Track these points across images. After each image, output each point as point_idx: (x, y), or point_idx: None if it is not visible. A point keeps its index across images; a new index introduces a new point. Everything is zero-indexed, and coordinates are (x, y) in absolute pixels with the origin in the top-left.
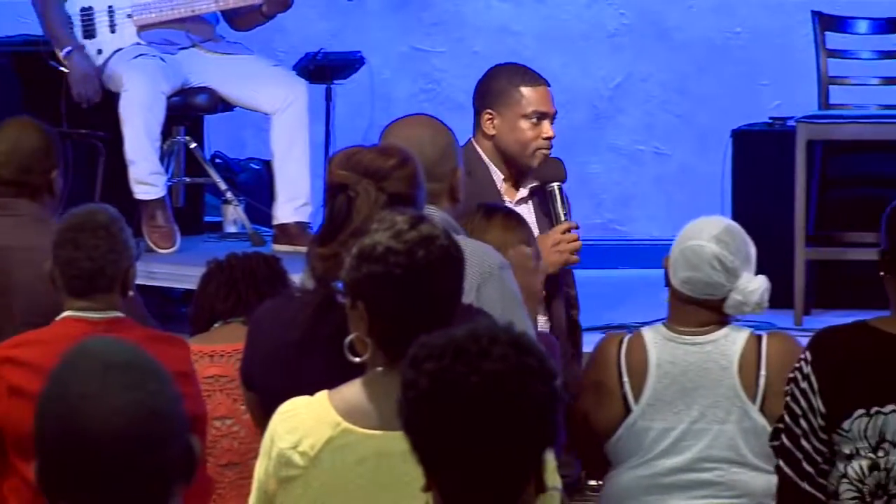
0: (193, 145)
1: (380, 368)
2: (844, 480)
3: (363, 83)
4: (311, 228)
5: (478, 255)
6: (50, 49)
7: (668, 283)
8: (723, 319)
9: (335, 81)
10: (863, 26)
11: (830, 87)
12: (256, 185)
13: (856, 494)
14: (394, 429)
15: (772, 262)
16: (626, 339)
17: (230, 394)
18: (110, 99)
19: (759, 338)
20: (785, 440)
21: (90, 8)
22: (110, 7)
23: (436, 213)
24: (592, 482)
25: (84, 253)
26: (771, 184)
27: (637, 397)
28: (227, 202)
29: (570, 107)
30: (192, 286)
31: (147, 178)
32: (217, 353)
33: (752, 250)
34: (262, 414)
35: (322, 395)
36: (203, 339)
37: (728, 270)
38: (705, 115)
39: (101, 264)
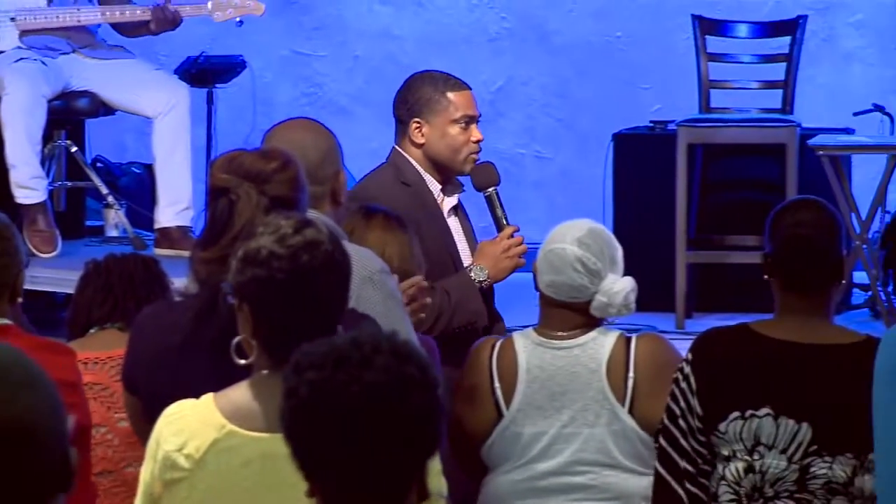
0: (75, 149)
1: (265, 371)
2: (723, 482)
3: (245, 87)
4: (193, 232)
5: (358, 259)
6: None
7: (537, 288)
8: (592, 322)
9: (217, 85)
10: (743, 30)
11: (711, 90)
12: (138, 188)
13: (733, 497)
14: (278, 431)
15: (653, 266)
16: (497, 344)
17: (104, 402)
18: None
19: (629, 340)
20: (662, 440)
21: None
22: None
23: (318, 217)
24: None
25: None
26: (652, 187)
27: (508, 402)
28: (108, 206)
29: None
30: (73, 290)
31: (28, 182)
32: (91, 361)
33: (619, 253)
34: (146, 419)
35: (208, 398)
36: (78, 345)
37: (591, 273)
38: (586, 118)
39: None
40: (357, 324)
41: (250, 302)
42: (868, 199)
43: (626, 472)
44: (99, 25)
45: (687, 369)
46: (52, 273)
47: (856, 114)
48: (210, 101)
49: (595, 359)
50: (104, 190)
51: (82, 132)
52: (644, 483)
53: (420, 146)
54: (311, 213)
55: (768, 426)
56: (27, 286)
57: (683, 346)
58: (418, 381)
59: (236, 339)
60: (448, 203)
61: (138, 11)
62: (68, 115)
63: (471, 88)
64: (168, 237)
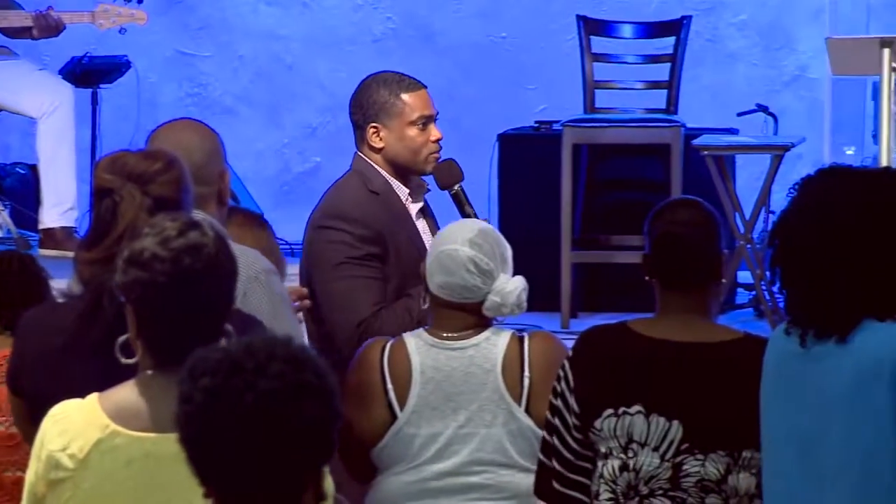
0: None
1: (149, 371)
2: (601, 480)
3: (129, 87)
4: (77, 233)
5: (243, 260)
6: None
7: (427, 289)
8: (484, 322)
9: (101, 85)
10: (627, 30)
11: (596, 90)
12: (22, 189)
13: (611, 495)
14: (164, 431)
15: (538, 266)
16: (388, 346)
17: None
18: None
19: (522, 339)
20: (545, 435)
21: None
22: None
23: (203, 218)
24: None
25: None
26: (537, 187)
27: (402, 404)
28: None
29: (336, 111)
30: None
31: None
32: None
33: (508, 252)
34: (31, 421)
35: (92, 398)
36: None
37: (483, 273)
38: (472, 119)
39: None
40: (245, 325)
41: (133, 303)
42: (752, 199)
43: (522, 472)
44: None
45: (567, 366)
46: None
47: (740, 114)
48: (95, 101)
49: (490, 359)
50: None
51: None
52: None
53: (379, 150)
54: (198, 214)
55: (640, 424)
56: None
57: (566, 344)
58: (313, 388)
59: (121, 339)
60: (415, 207)
61: (21, 17)
62: None
63: (425, 87)
64: (52, 238)
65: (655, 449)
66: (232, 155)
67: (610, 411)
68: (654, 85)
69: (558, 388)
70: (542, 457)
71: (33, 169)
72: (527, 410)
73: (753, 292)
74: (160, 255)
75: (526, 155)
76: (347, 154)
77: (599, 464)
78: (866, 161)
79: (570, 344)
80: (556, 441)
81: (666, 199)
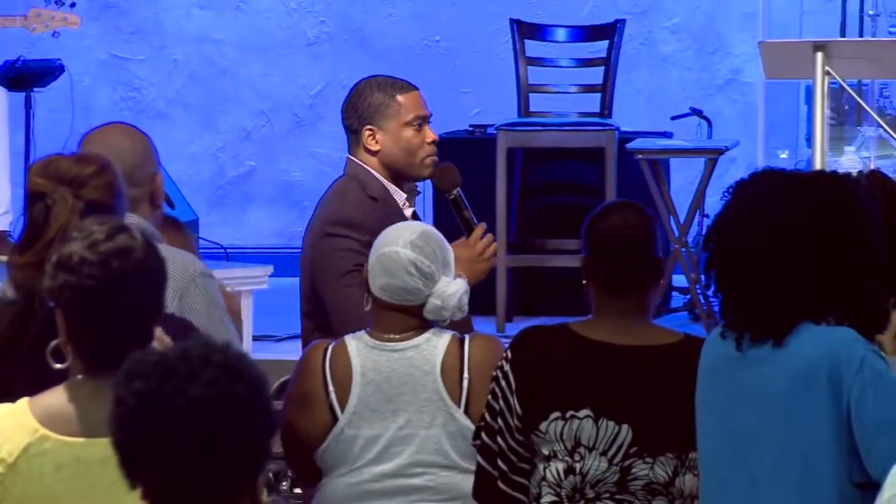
0: None
1: (80, 376)
2: (544, 483)
3: (63, 91)
4: (11, 237)
5: (179, 263)
6: None
7: (369, 291)
8: (425, 325)
9: (35, 89)
10: (561, 34)
11: (530, 94)
12: None
13: (554, 498)
14: (94, 435)
15: None
16: (330, 348)
17: None
18: None
19: (462, 341)
20: (484, 437)
21: None
22: None
23: (136, 221)
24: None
25: None
26: (472, 191)
27: (343, 406)
28: None
29: (271, 114)
30: None
31: None
32: None
33: (450, 255)
34: None
35: (22, 402)
36: None
37: (425, 275)
38: None
39: None
40: (179, 328)
41: (63, 307)
42: (686, 203)
43: (462, 473)
44: None
45: (506, 367)
46: None
47: (674, 118)
48: (28, 105)
49: (429, 361)
50: None
51: None
52: None
53: (375, 153)
54: (131, 217)
55: (588, 428)
56: None
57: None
58: (245, 399)
59: (52, 344)
60: (409, 212)
61: None
62: None
63: (418, 89)
64: None
65: (604, 453)
66: (166, 158)
67: (557, 414)
68: (589, 88)
69: (497, 390)
70: (481, 460)
71: None
72: (466, 412)
73: (688, 296)
74: (88, 259)
75: (460, 158)
76: (281, 157)
77: (541, 466)
78: (800, 164)
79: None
80: (500, 443)
81: (603, 203)
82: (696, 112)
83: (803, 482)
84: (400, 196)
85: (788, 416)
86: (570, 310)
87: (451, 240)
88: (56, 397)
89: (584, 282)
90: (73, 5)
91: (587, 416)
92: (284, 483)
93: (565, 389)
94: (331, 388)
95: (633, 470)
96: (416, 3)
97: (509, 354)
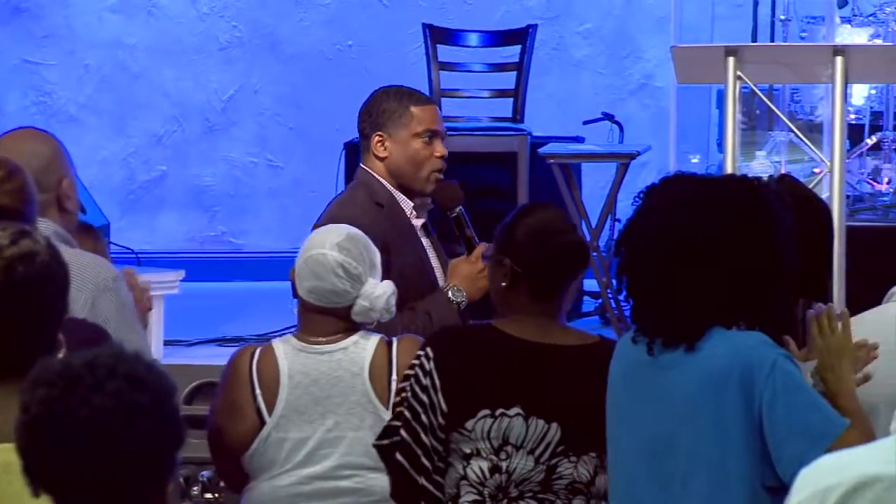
0: None
1: None
2: (464, 482)
3: None
4: None
5: (91, 268)
6: None
7: (296, 294)
8: (353, 327)
9: None
10: (473, 39)
11: (442, 99)
12: None
13: (476, 497)
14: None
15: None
16: (257, 352)
17: None
18: None
19: (390, 343)
20: (405, 435)
21: None
22: None
23: (46, 226)
24: None
25: None
26: None
27: (270, 409)
28: None
29: (183, 119)
30: None
31: None
32: None
33: (377, 257)
34: None
35: None
36: None
37: (352, 277)
38: (318, 127)
39: None
40: (91, 333)
41: None
42: (598, 208)
43: None
44: None
45: (429, 366)
46: None
47: (586, 122)
48: None
49: (357, 363)
50: None
51: None
52: None
53: (383, 160)
54: (42, 222)
55: (518, 426)
56: None
57: None
58: (148, 410)
59: None
60: (418, 222)
61: None
62: None
63: (436, 103)
64: None
65: (531, 452)
66: (77, 163)
67: (486, 412)
68: (501, 93)
69: (418, 388)
70: (401, 459)
71: None
72: None
73: (599, 300)
74: None
75: None
76: (193, 162)
77: (459, 465)
78: (711, 169)
79: None
80: (425, 441)
81: (520, 206)
82: (608, 117)
83: (715, 486)
84: (407, 204)
85: (700, 421)
86: (482, 312)
87: (451, 256)
88: None
89: (502, 284)
90: None
91: (517, 413)
92: (195, 488)
93: (495, 387)
94: (258, 391)
95: (559, 469)
96: (328, 7)
97: (430, 352)
